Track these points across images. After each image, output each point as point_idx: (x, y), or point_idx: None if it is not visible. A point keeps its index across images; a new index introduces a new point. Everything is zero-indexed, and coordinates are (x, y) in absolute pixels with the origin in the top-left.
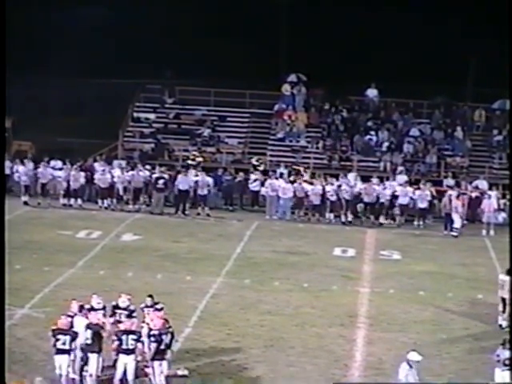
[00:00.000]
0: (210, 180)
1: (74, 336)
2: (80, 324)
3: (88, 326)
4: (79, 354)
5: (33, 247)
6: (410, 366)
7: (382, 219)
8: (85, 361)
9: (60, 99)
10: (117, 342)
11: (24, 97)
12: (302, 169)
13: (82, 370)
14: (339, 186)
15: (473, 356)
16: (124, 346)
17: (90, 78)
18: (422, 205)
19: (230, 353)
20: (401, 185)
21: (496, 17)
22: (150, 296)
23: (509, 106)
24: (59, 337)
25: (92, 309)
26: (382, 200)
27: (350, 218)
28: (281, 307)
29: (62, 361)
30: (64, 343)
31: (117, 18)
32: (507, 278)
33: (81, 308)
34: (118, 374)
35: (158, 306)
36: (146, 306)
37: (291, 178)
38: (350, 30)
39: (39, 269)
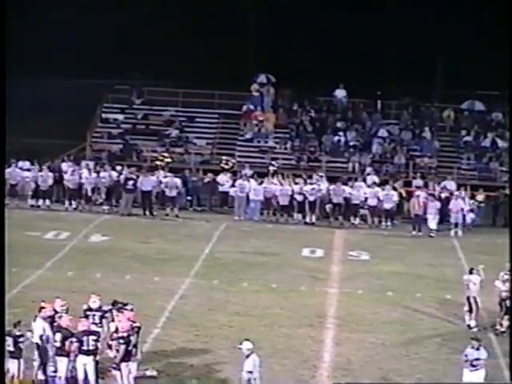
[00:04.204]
0: (178, 181)
1: (16, 338)
2: (37, 325)
3: (58, 329)
4: (36, 356)
5: None
6: (246, 356)
7: (353, 220)
8: (41, 363)
9: (27, 99)
10: (76, 344)
11: None
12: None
13: (44, 371)
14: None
15: (441, 356)
16: (84, 347)
17: (57, 78)
18: (388, 205)
19: (199, 353)
20: (369, 186)
21: (466, 17)
22: (114, 302)
23: (477, 106)
24: (6, 338)
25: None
26: (354, 201)
27: (313, 219)
28: (249, 308)
29: (11, 363)
30: (9, 345)
31: (85, 19)
32: (472, 278)
33: (40, 309)
34: (80, 376)
35: (128, 307)
36: (114, 308)
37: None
38: (319, 31)
39: (7, 270)
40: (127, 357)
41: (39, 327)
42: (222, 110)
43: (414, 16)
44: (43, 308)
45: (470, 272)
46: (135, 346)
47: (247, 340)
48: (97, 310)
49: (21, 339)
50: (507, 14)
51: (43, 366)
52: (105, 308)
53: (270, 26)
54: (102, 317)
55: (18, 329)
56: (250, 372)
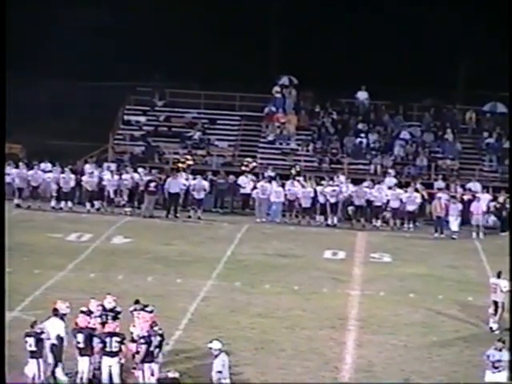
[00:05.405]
0: (206, 184)
1: (38, 337)
2: (53, 326)
3: (79, 330)
4: (50, 356)
5: (23, 250)
6: (215, 356)
7: (375, 222)
8: (54, 364)
9: (50, 101)
10: (100, 345)
11: (13, 98)
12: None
13: (53, 372)
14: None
15: (463, 358)
16: (108, 349)
17: (79, 81)
18: (411, 207)
19: None
20: (390, 188)
21: (488, 19)
22: (137, 301)
23: (499, 108)
24: (26, 339)
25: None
26: (377, 203)
27: (335, 221)
28: (271, 310)
29: (31, 364)
30: (30, 345)
31: (106, 21)
32: (500, 282)
33: (55, 310)
34: (104, 377)
35: (148, 309)
36: (135, 309)
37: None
38: (340, 33)
39: (30, 271)
40: (149, 358)
41: (55, 327)
42: (244, 112)
43: (436, 18)
44: (57, 308)
45: (498, 276)
46: (158, 347)
47: (217, 340)
48: (110, 311)
49: (43, 335)
50: None
51: (58, 365)
52: (118, 309)
53: (292, 28)
54: (114, 317)
55: (38, 327)
56: (220, 372)
